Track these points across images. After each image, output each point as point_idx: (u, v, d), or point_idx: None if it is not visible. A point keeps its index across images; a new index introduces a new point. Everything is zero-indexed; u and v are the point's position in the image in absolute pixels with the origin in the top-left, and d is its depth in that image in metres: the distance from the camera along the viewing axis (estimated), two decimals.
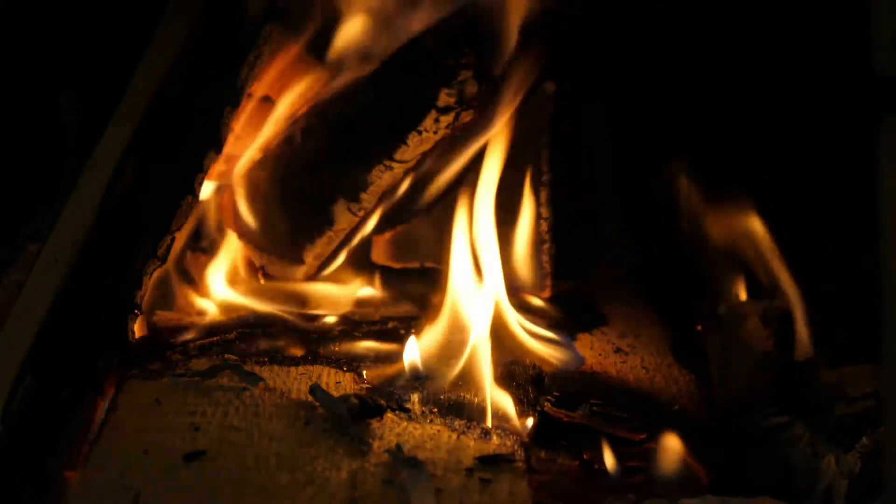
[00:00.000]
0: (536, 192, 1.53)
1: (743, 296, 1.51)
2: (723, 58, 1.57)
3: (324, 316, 1.52)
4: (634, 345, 1.51)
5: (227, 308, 1.51)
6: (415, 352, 1.35)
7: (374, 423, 1.21)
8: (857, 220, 1.08)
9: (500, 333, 1.43)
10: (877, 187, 0.92)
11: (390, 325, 1.51)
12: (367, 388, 1.32)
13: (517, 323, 1.45)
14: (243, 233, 1.57)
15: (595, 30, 1.52)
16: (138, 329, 1.38)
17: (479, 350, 1.34)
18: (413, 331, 1.40)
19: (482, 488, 1.10)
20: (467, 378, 1.33)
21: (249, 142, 1.55)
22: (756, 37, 1.54)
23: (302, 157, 1.53)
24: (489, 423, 1.26)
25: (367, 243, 1.60)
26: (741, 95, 1.56)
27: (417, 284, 1.57)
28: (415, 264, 1.59)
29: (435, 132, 1.45)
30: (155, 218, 1.38)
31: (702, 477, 1.23)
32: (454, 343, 1.37)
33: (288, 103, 1.53)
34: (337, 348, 1.44)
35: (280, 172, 1.54)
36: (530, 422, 1.28)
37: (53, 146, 1.59)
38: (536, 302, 1.56)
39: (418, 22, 1.47)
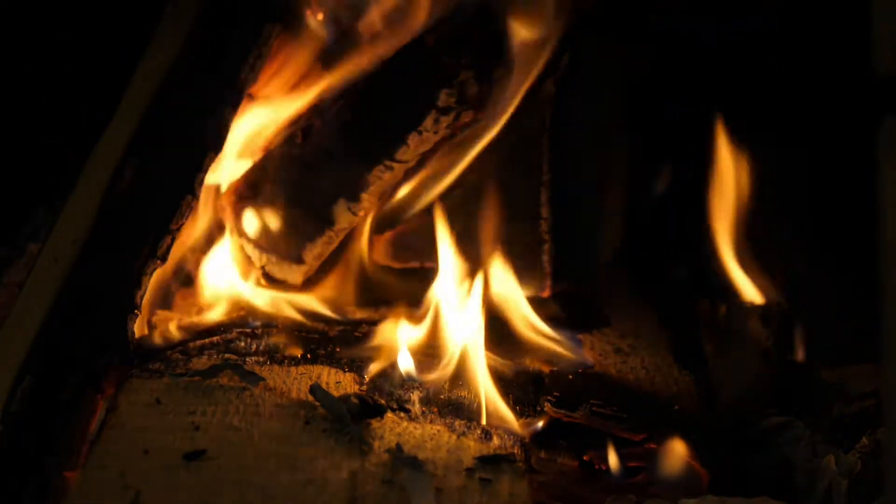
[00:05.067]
0: (536, 192, 1.53)
1: (743, 296, 1.51)
2: (722, 58, 1.58)
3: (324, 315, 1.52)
4: (634, 345, 1.51)
5: (227, 308, 1.51)
6: (408, 360, 1.35)
7: (375, 423, 1.21)
8: (858, 221, 1.08)
9: (505, 333, 1.43)
10: (877, 187, 0.92)
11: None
12: (366, 388, 1.32)
13: (525, 323, 1.45)
14: (243, 232, 1.57)
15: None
16: (138, 329, 1.38)
17: (472, 352, 1.34)
18: (404, 334, 1.41)
19: (482, 488, 1.11)
20: (464, 380, 1.33)
21: (249, 141, 1.55)
22: (756, 36, 1.55)
23: (302, 156, 1.54)
24: (484, 421, 1.26)
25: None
26: (742, 96, 1.56)
27: (417, 284, 1.57)
28: (415, 264, 1.59)
29: (435, 132, 1.45)
30: (155, 218, 1.38)
31: (702, 477, 1.23)
32: (446, 346, 1.37)
33: (288, 103, 1.53)
34: (337, 348, 1.44)
35: (280, 172, 1.54)
36: (539, 424, 1.28)
37: (53, 146, 1.59)
38: (536, 302, 1.56)
39: (419, 21, 1.47)
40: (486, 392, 1.30)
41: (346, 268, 1.58)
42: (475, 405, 1.30)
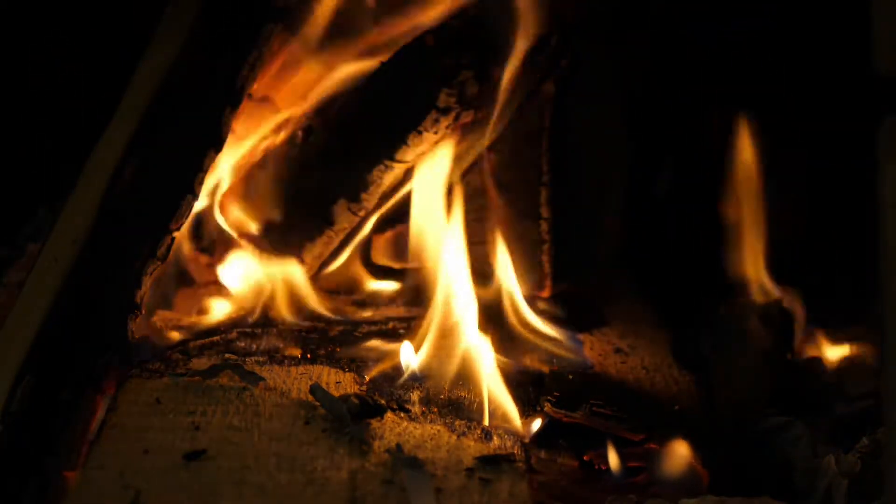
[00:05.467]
0: (536, 192, 1.53)
1: (743, 296, 1.52)
2: (723, 58, 1.58)
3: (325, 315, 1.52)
4: (634, 345, 1.51)
5: (227, 308, 1.51)
6: (411, 356, 1.35)
7: (375, 423, 1.21)
8: (859, 221, 1.08)
9: (504, 333, 1.43)
10: (877, 187, 0.92)
11: (390, 325, 1.51)
12: (367, 388, 1.32)
13: (523, 323, 1.45)
14: (243, 232, 1.57)
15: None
16: (138, 329, 1.38)
17: (476, 351, 1.34)
18: (409, 334, 1.40)
19: (482, 488, 1.10)
20: (467, 378, 1.33)
21: (250, 142, 1.55)
22: (756, 36, 1.55)
23: (302, 156, 1.54)
24: (486, 421, 1.26)
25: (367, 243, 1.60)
26: (741, 95, 1.57)
27: (418, 284, 1.57)
28: (415, 264, 1.59)
29: (435, 132, 1.45)
30: (155, 218, 1.38)
31: (702, 477, 1.23)
32: (450, 345, 1.37)
33: (288, 103, 1.53)
34: (337, 348, 1.44)
35: (280, 172, 1.54)
36: (536, 423, 1.28)
37: (53, 146, 1.59)
38: (536, 302, 1.56)
39: (419, 21, 1.47)
40: (491, 390, 1.30)
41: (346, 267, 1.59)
42: (475, 405, 1.30)
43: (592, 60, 1.56)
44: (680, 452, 1.23)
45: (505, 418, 1.27)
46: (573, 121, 1.55)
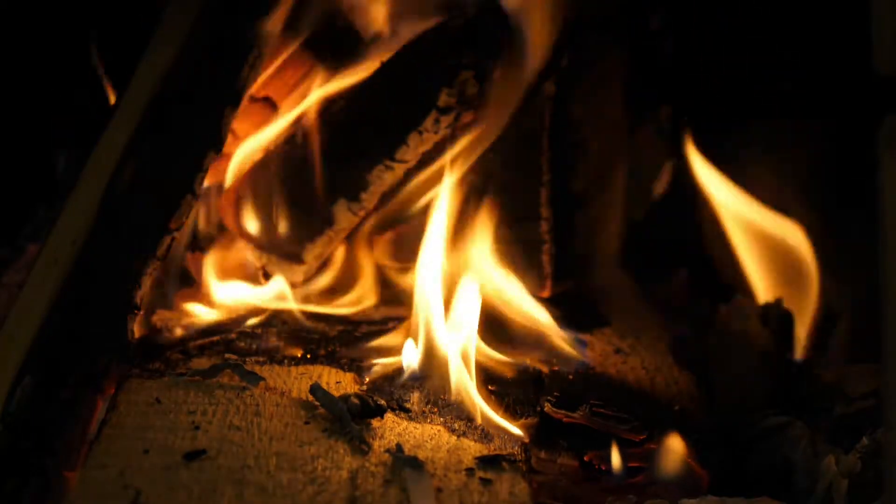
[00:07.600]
0: (536, 192, 1.53)
1: (743, 296, 1.52)
2: (724, 58, 1.58)
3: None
4: (635, 345, 1.51)
5: (227, 308, 1.51)
6: (412, 356, 1.35)
7: (375, 423, 1.21)
8: (857, 218, 1.08)
9: (505, 334, 1.43)
10: (877, 187, 0.92)
11: (390, 325, 1.50)
12: (366, 388, 1.32)
13: (524, 323, 1.45)
14: (243, 232, 1.57)
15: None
16: (138, 329, 1.38)
17: (467, 355, 1.33)
18: (409, 334, 1.40)
19: (482, 488, 1.11)
20: (460, 382, 1.32)
21: (249, 142, 1.55)
22: (757, 37, 1.55)
23: (302, 157, 1.54)
24: (480, 421, 1.26)
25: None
26: (743, 96, 1.57)
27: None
28: (415, 264, 1.59)
29: (435, 132, 1.45)
30: (155, 218, 1.38)
31: (702, 477, 1.23)
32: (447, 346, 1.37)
33: (288, 103, 1.53)
34: (337, 348, 1.44)
35: (280, 172, 1.54)
36: (533, 423, 1.27)
37: (54, 146, 1.59)
38: (536, 302, 1.55)
39: (420, 21, 1.47)
40: (481, 409, 1.29)
41: (346, 268, 1.59)
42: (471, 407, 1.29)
43: (593, 60, 1.56)
44: (677, 451, 1.23)
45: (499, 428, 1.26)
46: (573, 121, 1.55)
